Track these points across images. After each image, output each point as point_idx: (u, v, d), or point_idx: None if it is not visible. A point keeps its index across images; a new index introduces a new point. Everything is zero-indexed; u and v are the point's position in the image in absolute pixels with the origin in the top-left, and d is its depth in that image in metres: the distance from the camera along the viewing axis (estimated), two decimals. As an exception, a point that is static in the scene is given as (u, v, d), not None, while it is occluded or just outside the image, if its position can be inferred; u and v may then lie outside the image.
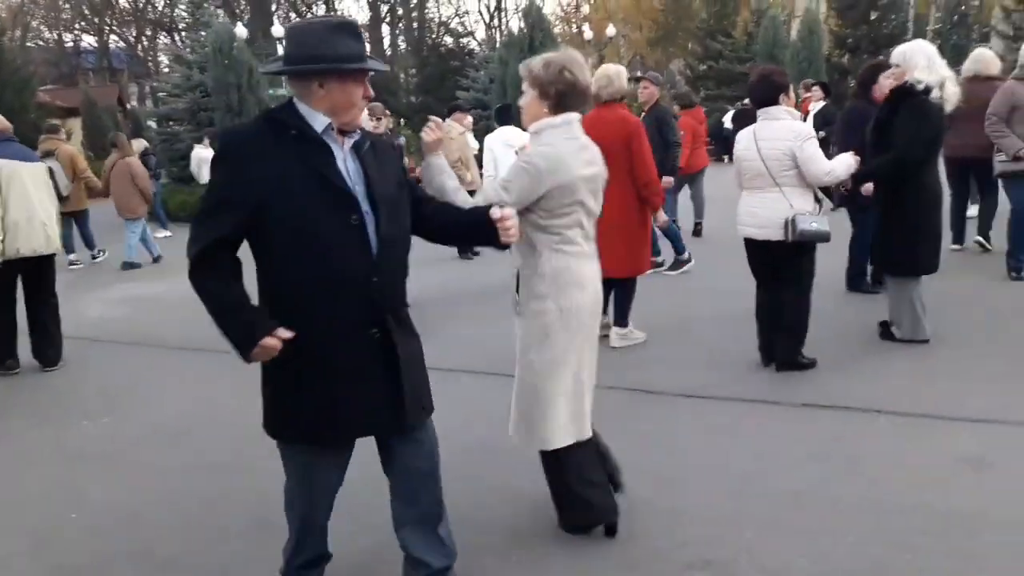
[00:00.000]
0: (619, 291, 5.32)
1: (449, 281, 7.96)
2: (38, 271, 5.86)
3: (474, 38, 36.53)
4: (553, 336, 2.76)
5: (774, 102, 4.44)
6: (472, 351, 5.49)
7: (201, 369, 5.51)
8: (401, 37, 41.75)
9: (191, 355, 5.88)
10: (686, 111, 9.22)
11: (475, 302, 7.05)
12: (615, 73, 5.11)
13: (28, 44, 41.12)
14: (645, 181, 5.00)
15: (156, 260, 10.93)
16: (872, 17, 24.54)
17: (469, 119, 9.34)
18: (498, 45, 24.01)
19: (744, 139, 4.54)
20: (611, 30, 25.94)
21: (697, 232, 9.29)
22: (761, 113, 4.49)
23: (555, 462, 2.91)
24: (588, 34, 28.31)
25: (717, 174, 9.89)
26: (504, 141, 7.90)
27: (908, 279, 4.82)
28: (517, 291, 2.84)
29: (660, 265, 7.47)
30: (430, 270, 8.07)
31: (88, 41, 45.73)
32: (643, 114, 7.13)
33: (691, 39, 28.89)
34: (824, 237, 4.37)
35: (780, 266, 4.55)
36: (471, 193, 2.89)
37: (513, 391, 2.94)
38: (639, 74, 8.73)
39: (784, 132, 4.36)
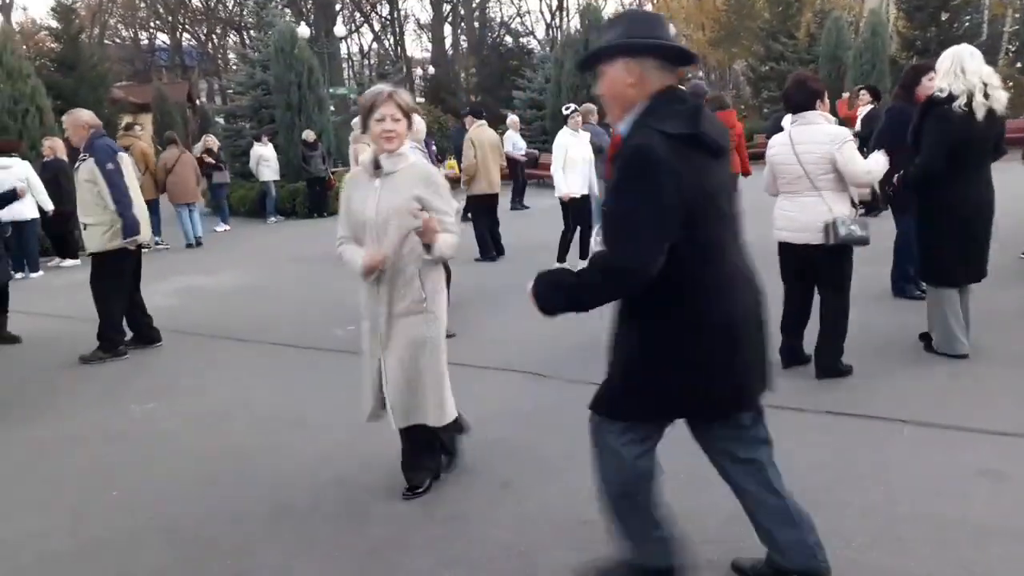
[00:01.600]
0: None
1: (478, 280, 8.10)
2: (139, 260, 6.22)
3: (534, 37, 36.69)
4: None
5: (810, 107, 4.43)
6: (500, 350, 5.60)
7: (241, 358, 5.74)
8: (463, 36, 42.11)
9: (233, 344, 6.13)
10: (716, 113, 9.17)
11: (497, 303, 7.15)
12: None
13: (106, 42, 42.86)
14: None
15: (196, 244, 12.60)
16: (943, 18, 23.80)
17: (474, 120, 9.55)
18: (556, 44, 24.02)
19: (779, 143, 4.53)
20: (672, 31, 25.67)
21: None
22: (797, 118, 4.47)
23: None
24: (648, 34, 28.09)
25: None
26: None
27: (940, 289, 4.72)
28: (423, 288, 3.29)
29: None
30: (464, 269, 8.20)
31: (162, 39, 47.48)
32: None
33: (754, 40, 28.43)
34: (864, 241, 4.34)
35: (816, 271, 4.52)
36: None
37: (423, 382, 3.33)
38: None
39: (821, 136, 4.35)
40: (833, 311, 4.52)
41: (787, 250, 4.60)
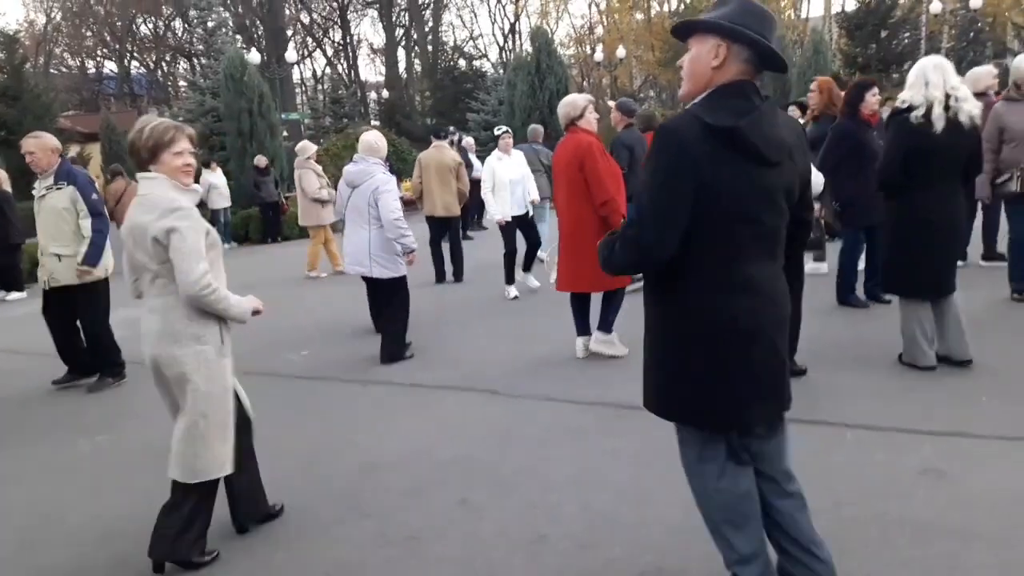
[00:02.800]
0: (604, 303, 5.51)
1: (437, 301, 8.13)
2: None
3: (488, 60, 37.02)
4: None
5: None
6: (457, 369, 5.62)
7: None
8: (416, 60, 42.29)
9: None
10: (647, 133, 9.23)
11: (459, 324, 7.18)
12: (568, 102, 5.50)
13: (52, 71, 42.10)
14: (600, 201, 5.19)
15: None
16: (883, 36, 24.63)
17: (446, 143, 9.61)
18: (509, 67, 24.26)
19: None
20: (621, 51, 26.16)
21: None
22: None
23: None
24: (599, 56, 28.54)
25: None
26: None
27: (905, 300, 4.78)
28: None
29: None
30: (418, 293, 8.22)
31: (110, 67, 46.79)
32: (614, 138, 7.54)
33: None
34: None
35: None
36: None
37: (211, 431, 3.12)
38: (611, 101, 8.97)
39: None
40: (794, 312, 4.61)
41: None
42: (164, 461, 3.13)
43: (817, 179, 4.60)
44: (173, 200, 3.00)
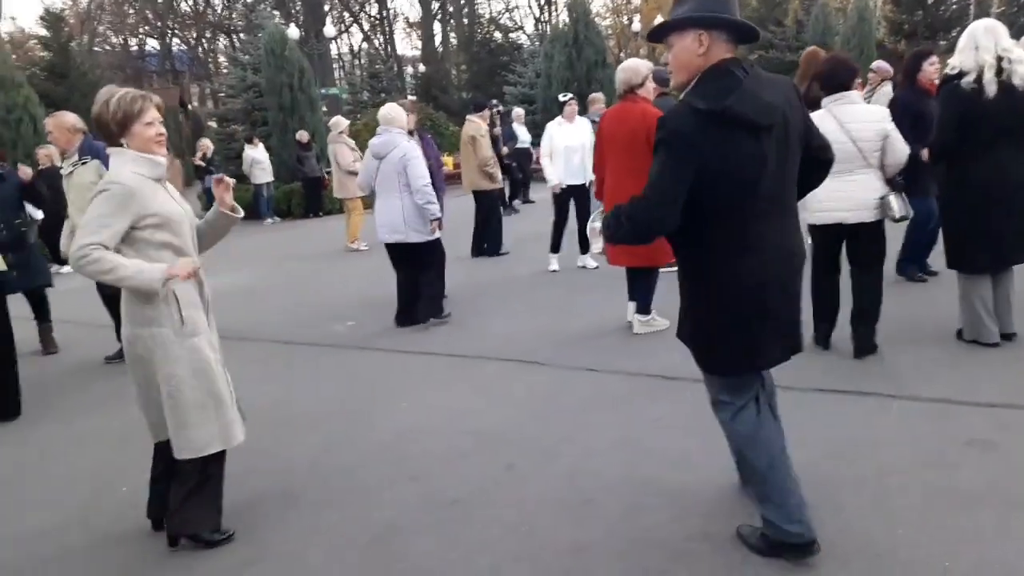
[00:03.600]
0: (640, 282, 5.48)
1: (473, 277, 8.19)
2: None
3: (524, 32, 36.68)
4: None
5: (849, 87, 4.46)
6: (497, 341, 5.68)
7: (243, 355, 5.81)
8: (452, 33, 42.10)
9: (234, 343, 6.18)
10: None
11: (499, 296, 7.24)
12: (620, 69, 5.38)
13: (95, 49, 42.77)
14: None
15: None
16: (930, 1, 23.89)
17: (486, 113, 9.45)
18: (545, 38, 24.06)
19: (823, 123, 4.28)
20: (659, 20, 25.75)
21: None
22: (837, 97, 4.44)
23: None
24: (636, 26, 28.14)
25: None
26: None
27: (964, 275, 4.67)
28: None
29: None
30: (456, 267, 8.27)
31: (152, 44, 47.35)
32: None
33: (741, 28, 28.42)
34: (910, 214, 4.46)
35: (857, 249, 4.55)
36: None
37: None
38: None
39: (872, 114, 4.43)
40: (873, 289, 4.56)
41: (829, 231, 4.57)
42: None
43: (901, 152, 4.47)
44: (115, 175, 2.88)
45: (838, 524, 2.87)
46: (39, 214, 8.26)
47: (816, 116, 4.48)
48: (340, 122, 11.06)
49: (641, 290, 5.50)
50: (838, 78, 4.45)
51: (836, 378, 4.30)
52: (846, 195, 4.41)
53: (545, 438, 3.89)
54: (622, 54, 39.27)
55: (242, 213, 3.31)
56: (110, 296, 6.03)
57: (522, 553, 2.89)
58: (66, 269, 11.06)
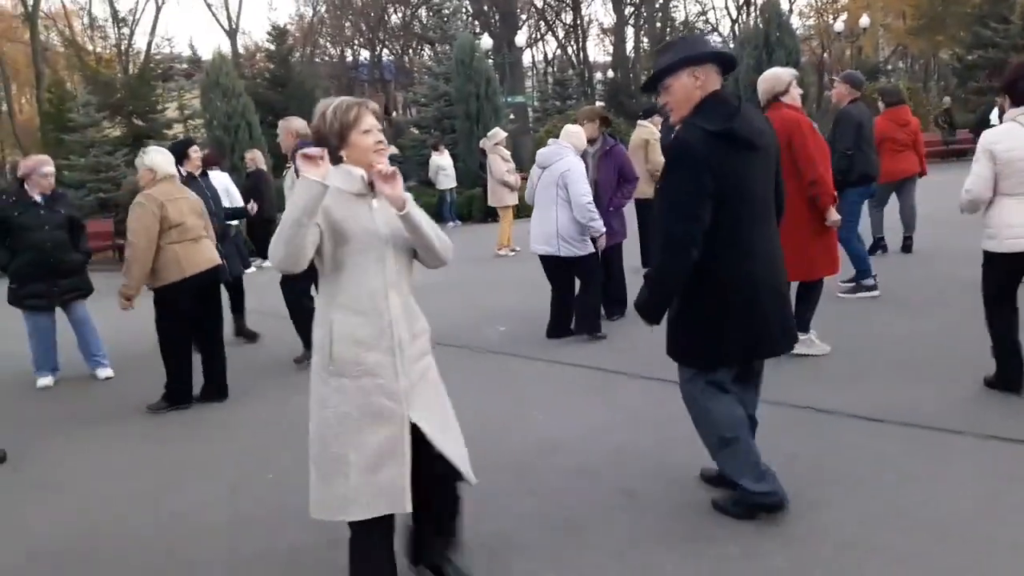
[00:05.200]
0: (799, 300, 5.15)
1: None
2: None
3: (719, 34, 35.68)
4: None
5: None
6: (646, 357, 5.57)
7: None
8: (645, 38, 41.71)
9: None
10: (889, 109, 8.22)
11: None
12: (761, 78, 5.15)
13: (316, 60, 46.61)
14: (810, 179, 4.84)
15: None
16: None
17: (658, 119, 9.03)
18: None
19: (1013, 137, 4.02)
20: (864, 20, 24.03)
21: (906, 247, 8.43)
22: None
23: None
24: (839, 26, 26.46)
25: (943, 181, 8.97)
26: None
27: None
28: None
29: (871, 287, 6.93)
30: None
31: (364, 55, 50.84)
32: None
33: (960, 26, 25.95)
34: None
35: None
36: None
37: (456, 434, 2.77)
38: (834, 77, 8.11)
39: None
40: None
41: (1012, 259, 4.10)
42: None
43: None
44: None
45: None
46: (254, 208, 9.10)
47: (1000, 132, 4.04)
48: (497, 133, 11.51)
49: (800, 306, 5.17)
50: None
51: (1015, 425, 3.82)
52: None
53: (672, 464, 3.76)
54: (825, 55, 37.12)
55: (406, 210, 2.65)
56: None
57: (624, 584, 2.83)
58: (266, 263, 12.18)
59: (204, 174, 7.29)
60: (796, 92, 5.08)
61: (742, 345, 3.01)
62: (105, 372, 6.51)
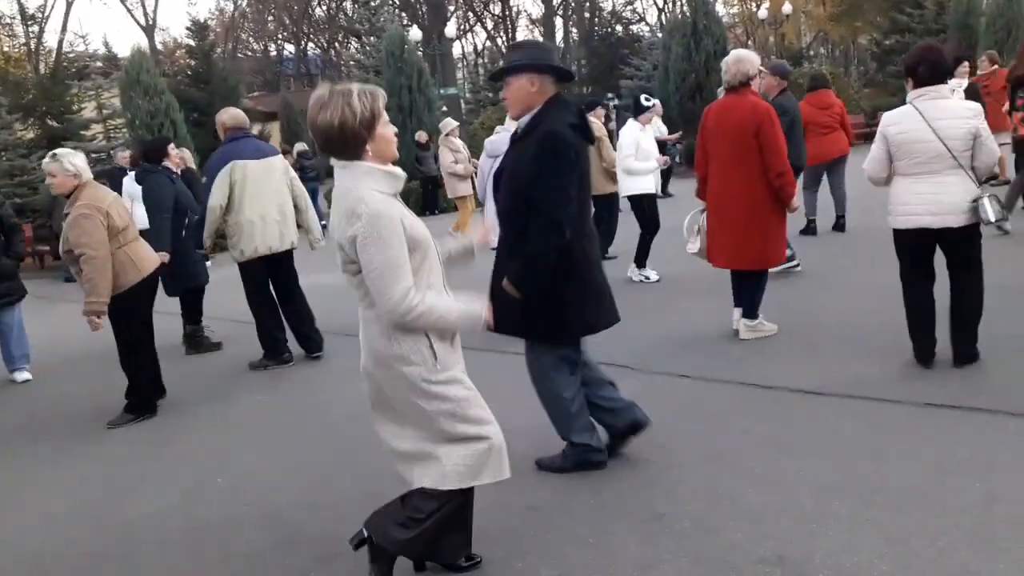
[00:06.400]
0: (747, 283, 5.24)
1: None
2: (278, 267, 5.94)
3: (646, 23, 36.14)
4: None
5: (945, 80, 4.18)
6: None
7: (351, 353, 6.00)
8: (573, 28, 41.97)
9: (349, 341, 6.43)
10: (809, 94, 8.44)
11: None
12: (732, 60, 5.05)
13: (238, 55, 45.46)
14: (777, 171, 4.86)
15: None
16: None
17: (600, 112, 9.08)
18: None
19: (908, 119, 4.14)
20: (787, 7, 24.68)
21: (839, 227, 8.66)
22: (928, 91, 4.12)
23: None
24: (763, 13, 27.09)
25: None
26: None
27: None
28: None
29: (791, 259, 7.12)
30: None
31: (289, 50, 49.80)
32: None
33: (877, 12, 26.84)
34: (1006, 217, 4.16)
35: (952, 255, 4.23)
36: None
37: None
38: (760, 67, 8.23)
39: (961, 110, 4.11)
40: (973, 294, 4.23)
41: (918, 237, 4.21)
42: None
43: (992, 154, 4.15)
44: (359, 198, 2.38)
45: (932, 554, 2.66)
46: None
47: (897, 114, 4.21)
48: (448, 123, 11.27)
49: (748, 293, 5.28)
50: (933, 69, 4.13)
51: (948, 392, 3.99)
52: (933, 199, 4.10)
53: (629, 446, 3.80)
54: (749, 42, 37.96)
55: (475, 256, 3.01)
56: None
57: (587, 566, 2.85)
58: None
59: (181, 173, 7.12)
60: (765, 80, 5.19)
61: (587, 320, 3.40)
62: (23, 375, 6.42)
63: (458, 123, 11.09)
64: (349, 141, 2.39)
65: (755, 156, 4.86)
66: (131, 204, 11.59)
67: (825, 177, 8.55)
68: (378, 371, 2.58)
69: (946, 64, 4.20)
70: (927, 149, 4.09)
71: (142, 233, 5.37)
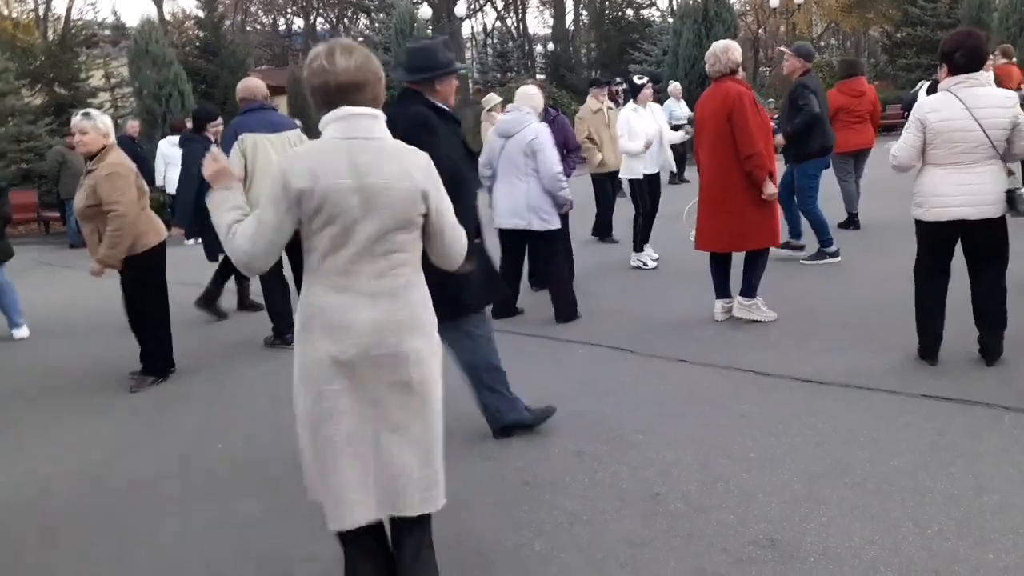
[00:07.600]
0: (747, 266, 5.29)
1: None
2: (293, 244, 6.04)
3: (657, 7, 35.85)
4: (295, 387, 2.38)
5: (981, 67, 4.05)
6: (591, 326, 5.64)
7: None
8: (584, 11, 41.65)
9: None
10: (842, 81, 8.22)
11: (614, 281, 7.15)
12: (720, 50, 5.13)
13: (248, 28, 45.18)
14: (746, 154, 4.92)
15: None
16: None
17: (605, 93, 8.89)
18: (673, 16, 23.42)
19: (948, 107, 3.98)
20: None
21: (850, 223, 8.29)
22: (966, 79, 4.00)
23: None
24: (775, 2, 26.85)
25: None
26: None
27: None
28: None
29: (799, 249, 7.14)
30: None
31: (298, 24, 49.52)
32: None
33: (889, 4, 26.63)
34: None
35: (982, 247, 4.14)
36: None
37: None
38: (783, 48, 8.15)
39: (1001, 99, 4.00)
40: (1000, 290, 4.16)
41: (952, 229, 4.11)
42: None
43: None
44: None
45: (922, 541, 2.70)
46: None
47: (936, 101, 4.11)
48: (491, 99, 10.95)
49: (746, 273, 5.33)
50: (971, 57, 4.01)
51: (945, 385, 4.01)
52: (972, 189, 4.00)
53: (623, 427, 3.84)
54: (761, 30, 37.69)
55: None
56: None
57: (579, 542, 2.88)
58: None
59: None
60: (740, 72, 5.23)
61: (483, 292, 3.66)
62: (21, 332, 6.60)
63: (501, 99, 10.60)
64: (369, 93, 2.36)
65: (730, 140, 4.98)
66: (164, 168, 11.76)
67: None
68: (424, 345, 2.42)
69: (985, 51, 4.07)
70: (969, 138, 3.96)
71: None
